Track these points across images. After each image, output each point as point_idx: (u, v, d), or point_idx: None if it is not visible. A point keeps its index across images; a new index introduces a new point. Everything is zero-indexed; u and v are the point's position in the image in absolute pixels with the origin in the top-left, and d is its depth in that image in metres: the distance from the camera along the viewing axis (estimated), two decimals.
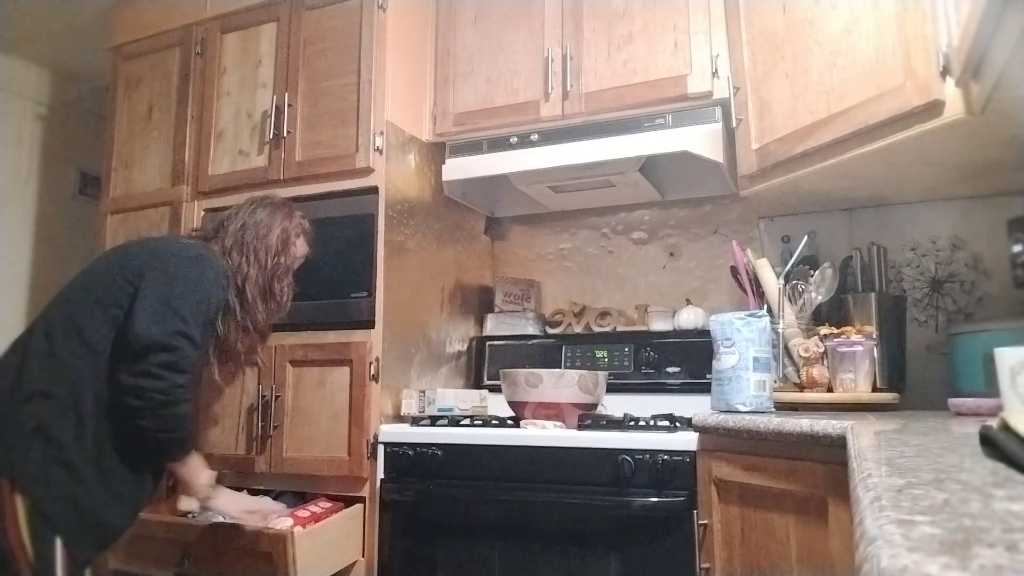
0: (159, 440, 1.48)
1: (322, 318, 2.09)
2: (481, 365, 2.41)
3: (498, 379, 2.08)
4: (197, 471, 1.58)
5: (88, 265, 1.67)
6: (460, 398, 2.11)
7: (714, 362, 1.63)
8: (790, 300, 1.84)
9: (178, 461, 1.55)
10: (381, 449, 1.92)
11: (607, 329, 2.37)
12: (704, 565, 1.53)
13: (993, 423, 0.78)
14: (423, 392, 2.08)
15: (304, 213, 1.91)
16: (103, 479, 1.44)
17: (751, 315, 1.60)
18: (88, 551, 1.44)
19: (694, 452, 1.60)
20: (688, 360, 2.16)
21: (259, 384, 2.09)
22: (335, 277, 2.09)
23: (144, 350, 1.43)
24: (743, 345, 1.57)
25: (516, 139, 2.18)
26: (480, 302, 2.55)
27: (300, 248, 1.89)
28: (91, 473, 1.43)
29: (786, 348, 1.78)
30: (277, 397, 2.06)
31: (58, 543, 1.37)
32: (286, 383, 2.07)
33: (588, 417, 1.84)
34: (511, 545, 1.72)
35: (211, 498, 1.61)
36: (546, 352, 2.34)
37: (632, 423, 1.79)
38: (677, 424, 1.74)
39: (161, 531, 1.87)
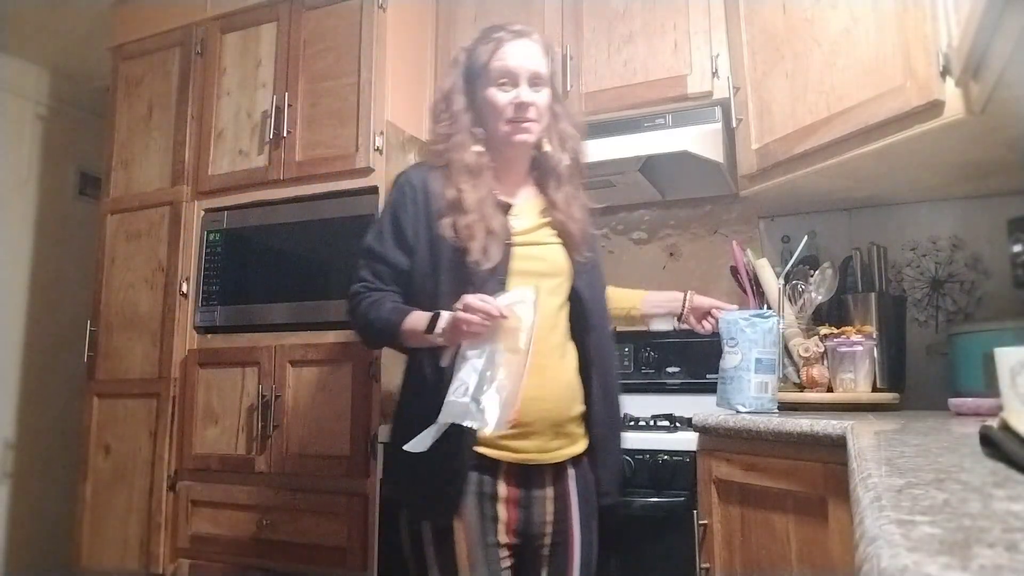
0: (369, 343, 1.50)
1: (322, 318, 2.09)
2: None
3: None
4: (416, 324, 1.28)
5: None
6: None
7: (721, 360, 1.62)
8: (790, 300, 1.84)
9: (398, 339, 1.31)
10: (381, 449, 1.92)
11: None
12: (704, 565, 1.53)
13: (993, 423, 0.78)
14: None
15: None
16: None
17: (757, 315, 1.59)
18: (444, 519, 1.28)
19: (694, 452, 1.60)
20: (688, 360, 2.16)
21: (259, 384, 2.09)
22: (335, 277, 2.10)
23: None
24: (746, 345, 1.56)
25: None
26: None
27: (477, 59, 1.41)
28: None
29: (786, 348, 1.78)
30: (277, 397, 2.06)
31: (426, 528, 1.30)
32: (286, 383, 2.07)
33: None
34: None
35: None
36: None
37: (632, 423, 1.79)
38: (677, 424, 1.74)
39: (242, 497, 2.06)
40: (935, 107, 1.42)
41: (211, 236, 2.30)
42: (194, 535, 2.14)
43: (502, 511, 1.30)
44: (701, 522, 1.55)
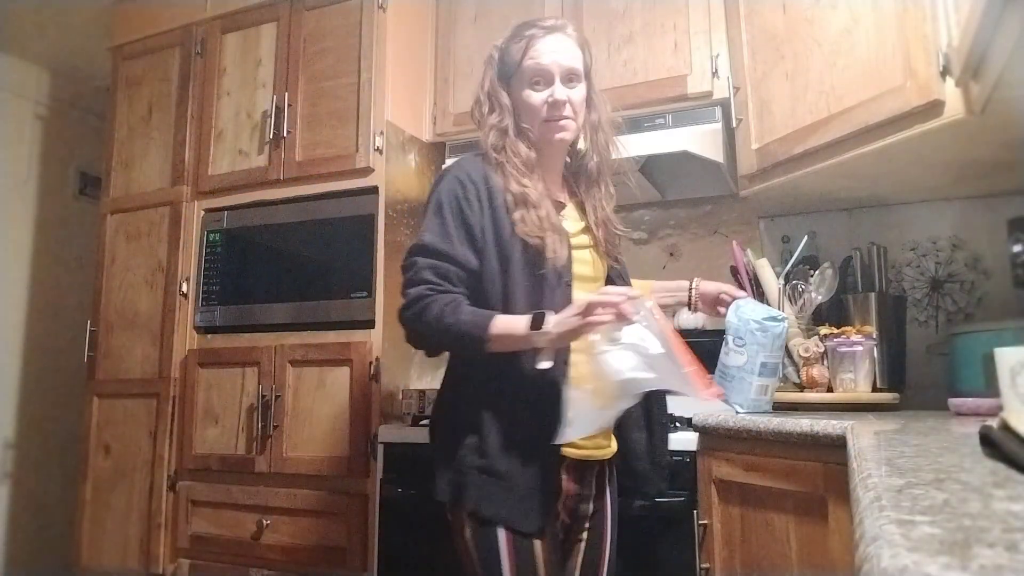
0: (436, 349, 1.31)
1: (322, 318, 2.09)
2: None
3: None
4: (513, 328, 1.21)
5: None
6: None
7: (722, 352, 1.57)
8: (790, 300, 1.84)
9: (485, 344, 1.21)
10: (381, 449, 1.92)
11: None
12: (704, 565, 1.53)
13: (993, 423, 0.78)
14: (423, 392, 2.08)
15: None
16: (506, 445, 1.23)
17: (770, 319, 1.54)
18: (533, 524, 1.23)
19: (694, 452, 1.60)
20: None
21: (259, 384, 2.09)
22: (335, 277, 2.10)
23: None
24: (754, 348, 1.53)
25: None
26: None
27: (509, 57, 1.36)
28: (491, 446, 1.23)
29: (786, 348, 1.78)
30: (277, 397, 2.06)
31: (500, 536, 1.22)
32: (286, 383, 2.07)
33: None
34: None
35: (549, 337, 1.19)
36: None
37: None
38: (677, 424, 1.74)
39: (242, 497, 2.06)
40: (935, 107, 1.42)
41: (211, 236, 2.30)
42: (194, 535, 2.14)
43: (560, 509, 1.32)
44: (701, 522, 1.55)
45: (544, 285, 1.26)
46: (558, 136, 1.35)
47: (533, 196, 1.29)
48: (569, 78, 1.34)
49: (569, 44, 1.35)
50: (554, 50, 1.33)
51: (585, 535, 1.37)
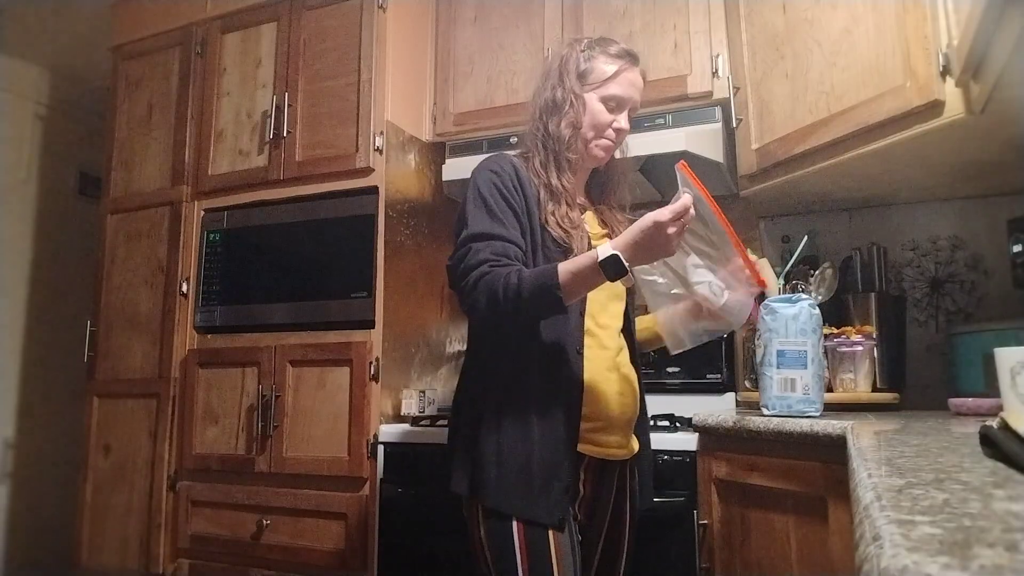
0: (525, 314, 1.24)
1: (322, 318, 2.09)
2: None
3: None
4: (580, 263, 1.21)
5: None
6: None
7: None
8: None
9: (559, 291, 1.19)
10: (381, 449, 1.92)
11: None
12: (704, 565, 1.53)
13: (993, 423, 0.78)
14: (423, 392, 2.08)
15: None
16: (522, 433, 1.25)
17: (783, 300, 1.44)
18: (549, 516, 1.23)
19: (694, 452, 1.60)
20: (688, 360, 2.15)
21: (259, 384, 2.09)
22: (335, 277, 2.10)
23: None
24: (767, 336, 1.43)
25: (516, 139, 2.18)
26: None
27: (596, 67, 1.40)
28: (510, 440, 1.25)
29: None
30: (277, 397, 2.06)
31: (514, 528, 1.22)
32: (286, 383, 2.07)
33: None
34: None
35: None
36: None
37: None
38: (677, 424, 1.74)
39: (242, 497, 2.06)
40: (935, 107, 1.42)
41: (211, 236, 2.30)
42: (194, 535, 2.14)
43: (578, 510, 1.33)
44: (701, 522, 1.55)
45: None
46: (601, 156, 1.43)
47: (569, 195, 1.37)
48: (631, 114, 1.44)
49: (641, 82, 1.45)
50: (636, 85, 1.43)
51: (603, 538, 1.38)
